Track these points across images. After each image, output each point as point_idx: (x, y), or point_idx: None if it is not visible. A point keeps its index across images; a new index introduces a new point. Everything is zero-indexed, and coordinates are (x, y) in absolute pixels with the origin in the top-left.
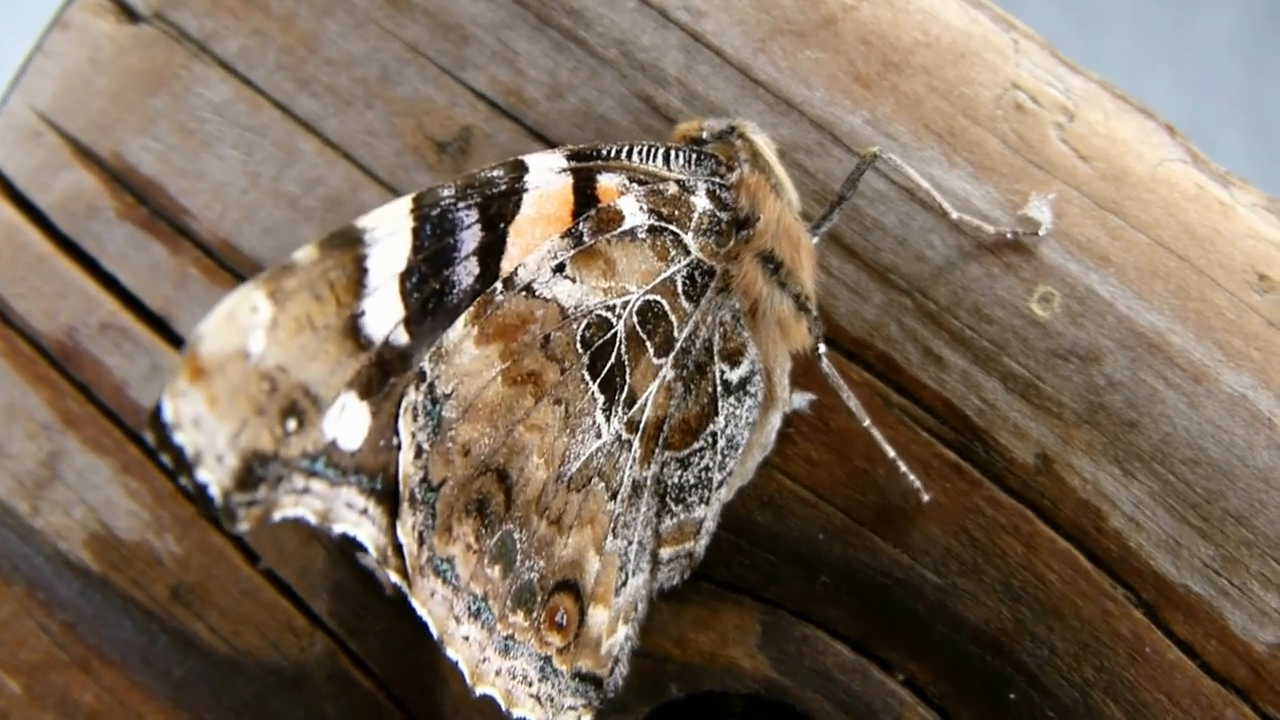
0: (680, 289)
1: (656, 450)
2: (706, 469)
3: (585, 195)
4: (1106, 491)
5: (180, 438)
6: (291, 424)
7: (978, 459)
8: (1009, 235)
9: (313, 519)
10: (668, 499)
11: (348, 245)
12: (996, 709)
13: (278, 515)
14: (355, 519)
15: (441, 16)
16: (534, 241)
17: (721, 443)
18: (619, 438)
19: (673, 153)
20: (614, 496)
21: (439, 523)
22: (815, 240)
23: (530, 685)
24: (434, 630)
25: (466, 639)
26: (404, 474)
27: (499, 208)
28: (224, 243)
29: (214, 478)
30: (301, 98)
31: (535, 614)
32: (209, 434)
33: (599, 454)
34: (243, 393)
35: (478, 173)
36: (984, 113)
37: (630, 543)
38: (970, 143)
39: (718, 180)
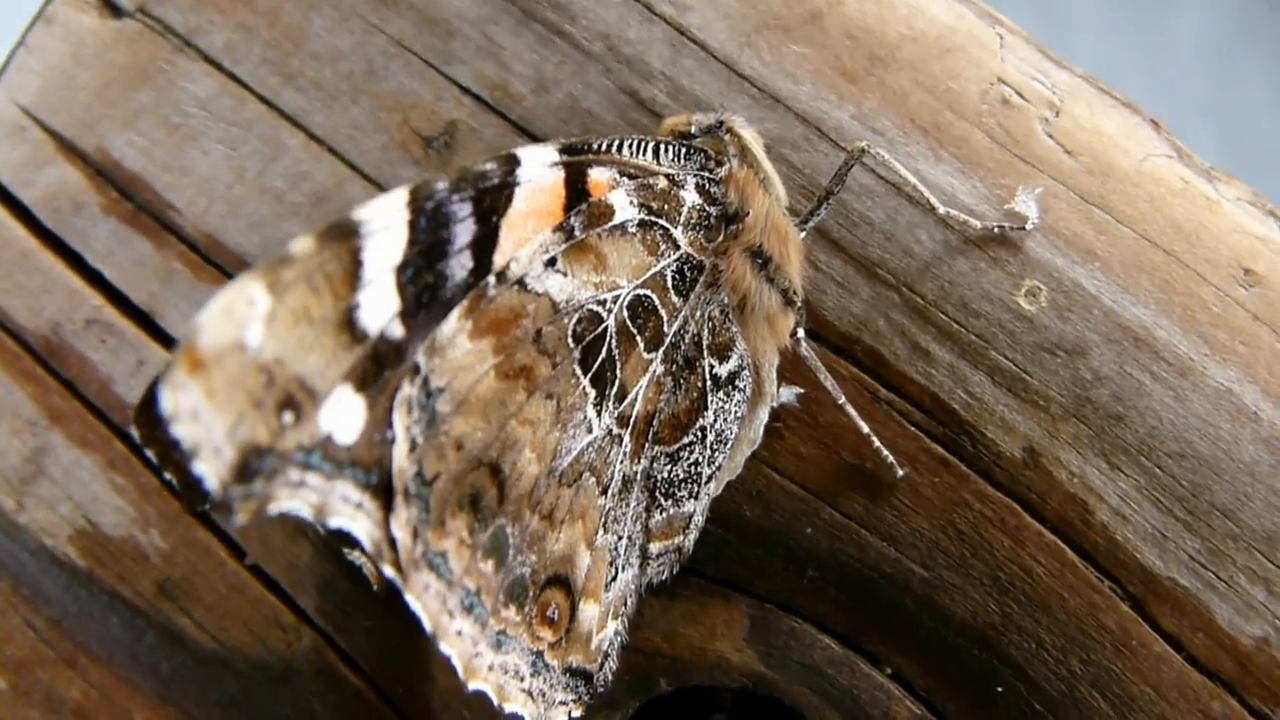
0: (670, 283)
1: (646, 445)
2: (696, 464)
3: (576, 189)
4: (1093, 485)
5: (178, 430)
6: (288, 417)
7: (965, 453)
8: (996, 230)
9: (308, 513)
10: (657, 494)
11: (344, 237)
12: (984, 702)
13: (274, 508)
14: (350, 513)
15: (427, 11)
16: (526, 235)
17: (711, 437)
18: (610, 433)
19: (662, 147)
20: (605, 491)
21: (433, 517)
22: (803, 235)
23: (522, 680)
24: (427, 624)
25: (460, 633)
26: (398, 468)
27: (491, 201)
28: (209, 238)
29: (211, 470)
30: (287, 92)
31: (527, 609)
32: (206, 426)
33: (590, 449)
34: (240, 385)
35: (471, 166)
36: (970, 107)
37: (620, 538)
38: (956, 137)
39: (707, 175)
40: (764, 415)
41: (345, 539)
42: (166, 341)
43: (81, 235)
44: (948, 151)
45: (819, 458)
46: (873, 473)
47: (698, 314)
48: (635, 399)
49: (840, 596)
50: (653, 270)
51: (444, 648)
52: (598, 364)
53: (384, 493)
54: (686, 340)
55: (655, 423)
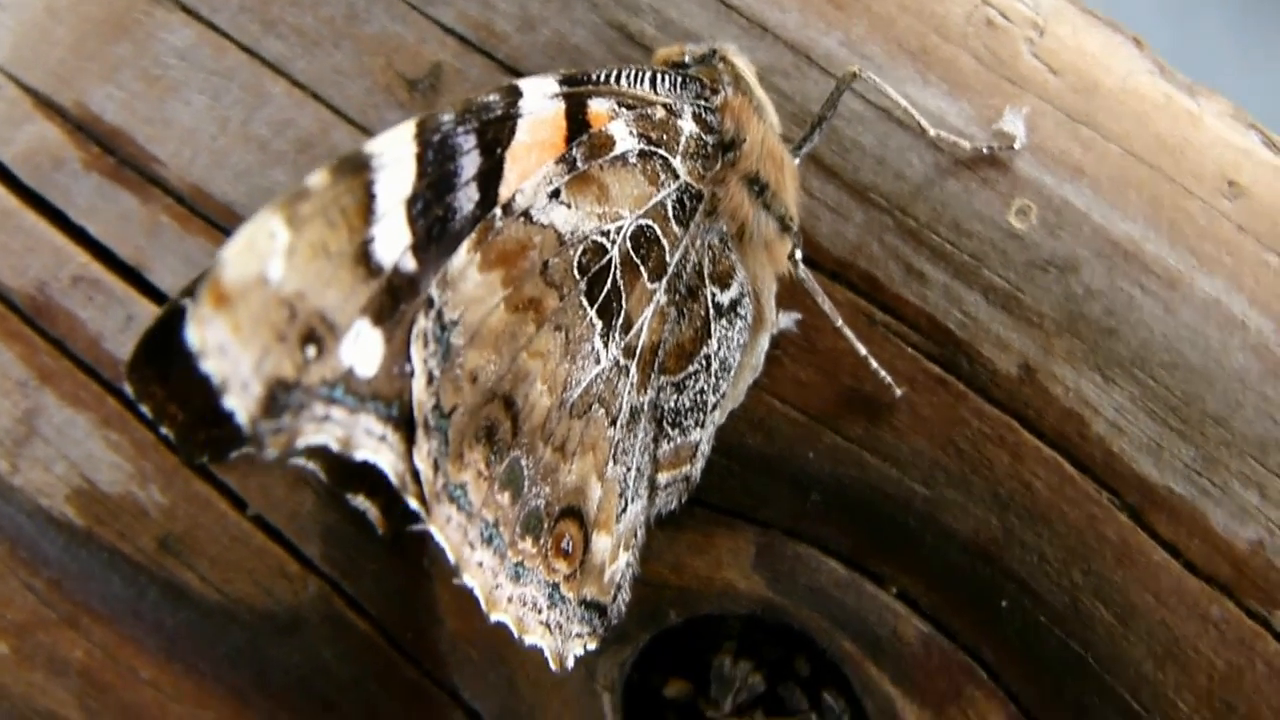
0: (671, 213)
1: (653, 375)
2: (701, 392)
3: (577, 121)
4: (1089, 398)
5: (206, 365)
6: (311, 351)
7: (962, 371)
8: (985, 150)
9: (335, 446)
10: (665, 424)
11: (356, 171)
12: (989, 617)
13: (301, 442)
14: (374, 445)
15: None
16: (530, 167)
17: (715, 365)
18: (617, 363)
19: (659, 77)
20: (613, 423)
21: (451, 449)
22: (797, 161)
23: (540, 612)
24: (451, 556)
25: (480, 565)
26: (417, 400)
27: (495, 133)
28: (195, 189)
29: (240, 405)
30: (268, 39)
31: (543, 540)
32: (234, 361)
33: (598, 380)
34: (264, 319)
35: (474, 98)
36: (955, 30)
37: (629, 469)
38: (943, 60)
39: (703, 103)
40: (765, 342)
41: (348, 484)
42: (155, 296)
43: (63, 192)
44: (935, 74)
45: (818, 383)
46: (872, 395)
47: (698, 243)
48: (641, 329)
49: (844, 519)
50: (654, 200)
51: (466, 579)
52: (603, 295)
53: (406, 425)
54: (688, 269)
55: (660, 353)
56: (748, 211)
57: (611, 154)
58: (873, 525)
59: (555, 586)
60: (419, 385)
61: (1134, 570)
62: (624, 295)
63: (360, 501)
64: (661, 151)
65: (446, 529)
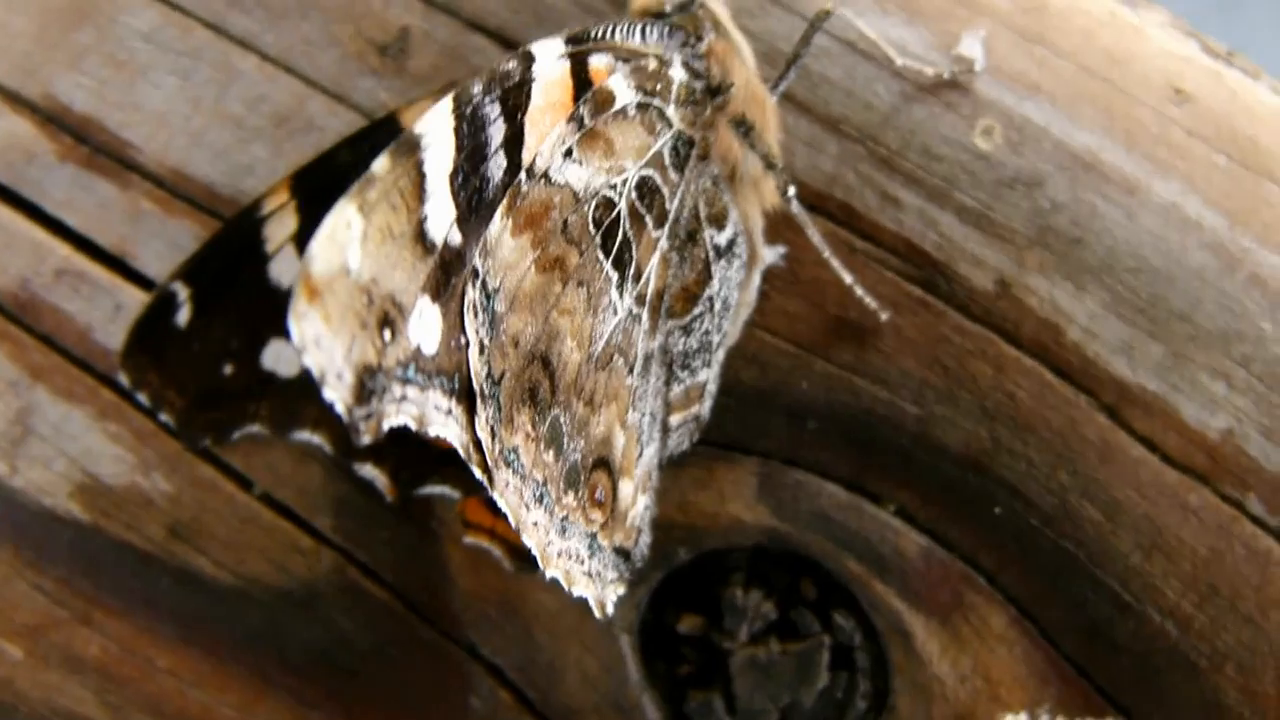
0: (668, 161)
1: (662, 320)
2: (707, 332)
3: (580, 79)
4: (1062, 307)
5: (308, 360)
6: (387, 335)
7: (941, 291)
8: (947, 75)
9: (412, 425)
10: (674, 366)
11: (409, 152)
12: (984, 525)
13: (385, 425)
14: (443, 420)
15: None
16: (545, 129)
17: (718, 305)
18: (631, 313)
19: (647, 28)
20: (631, 371)
21: (504, 414)
22: (775, 100)
23: (583, 563)
24: (512, 520)
25: (535, 524)
26: (474, 370)
27: (514, 100)
28: (174, 172)
29: (338, 395)
30: (233, 15)
31: (580, 493)
32: (328, 352)
33: (617, 331)
34: (349, 308)
35: (497, 66)
36: None
37: (644, 415)
38: None
39: (690, 51)
40: (758, 279)
41: (354, 454)
42: (142, 283)
43: (37, 185)
44: (893, 4)
45: (806, 314)
46: (858, 322)
47: (693, 187)
48: (649, 277)
49: (840, 444)
50: (653, 150)
51: (526, 539)
52: (616, 247)
53: (466, 397)
54: (686, 214)
55: (667, 298)
56: (737, 153)
57: (613, 109)
58: (868, 447)
59: (593, 536)
60: (474, 355)
61: (1116, 468)
62: (633, 245)
63: (368, 470)
64: (656, 102)
65: (506, 494)
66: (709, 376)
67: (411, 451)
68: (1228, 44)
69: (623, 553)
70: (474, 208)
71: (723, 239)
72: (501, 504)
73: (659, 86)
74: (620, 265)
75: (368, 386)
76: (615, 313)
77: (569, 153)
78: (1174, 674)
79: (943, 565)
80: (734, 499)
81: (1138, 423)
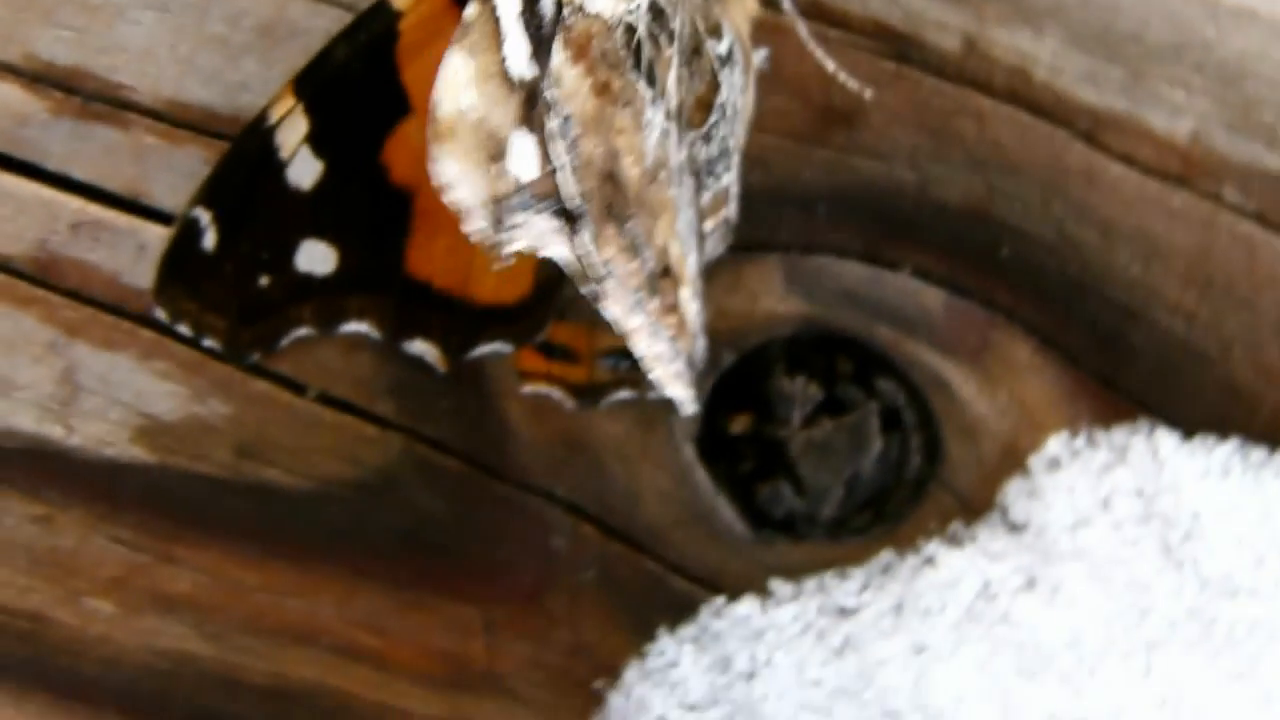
0: None
1: (685, 131)
2: (724, 138)
3: None
4: (1026, 51)
5: (452, 196)
6: (498, 167)
7: (914, 60)
8: None
9: (532, 247)
10: (701, 174)
11: None
12: (995, 267)
13: (509, 250)
14: (553, 240)
15: None
16: None
17: (730, 111)
18: (664, 127)
19: None
20: (671, 181)
21: (597, 230)
22: None
23: (670, 365)
24: (619, 330)
25: (636, 330)
26: (565, 193)
27: None
28: (170, 103)
29: (478, 227)
30: None
31: (658, 300)
32: (467, 188)
33: (658, 145)
34: (471, 146)
35: None
36: None
37: (686, 223)
38: None
39: None
40: (753, 84)
41: (400, 332)
42: (161, 219)
43: (36, 146)
44: None
45: (795, 108)
46: (844, 105)
47: (688, 2)
48: (671, 91)
49: (851, 222)
50: None
51: (633, 347)
52: (644, 67)
53: (565, 217)
54: (688, 29)
55: (686, 110)
56: None
57: None
58: (877, 219)
59: (673, 340)
60: (564, 178)
61: (1102, 189)
62: (655, 64)
63: (417, 346)
64: None
65: (611, 306)
66: (731, 180)
67: (455, 318)
68: None
69: (689, 357)
70: (539, 42)
71: (723, 48)
72: (612, 317)
73: None
74: (650, 83)
75: (495, 216)
76: (654, 128)
77: None
78: (1190, 367)
79: (965, 312)
80: (765, 294)
81: (1113, 143)
